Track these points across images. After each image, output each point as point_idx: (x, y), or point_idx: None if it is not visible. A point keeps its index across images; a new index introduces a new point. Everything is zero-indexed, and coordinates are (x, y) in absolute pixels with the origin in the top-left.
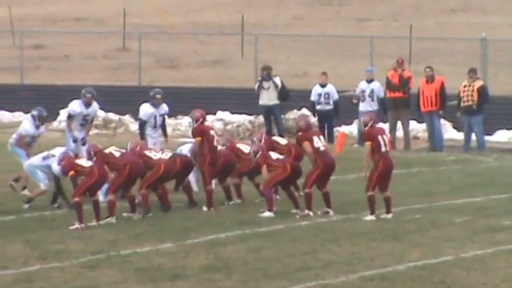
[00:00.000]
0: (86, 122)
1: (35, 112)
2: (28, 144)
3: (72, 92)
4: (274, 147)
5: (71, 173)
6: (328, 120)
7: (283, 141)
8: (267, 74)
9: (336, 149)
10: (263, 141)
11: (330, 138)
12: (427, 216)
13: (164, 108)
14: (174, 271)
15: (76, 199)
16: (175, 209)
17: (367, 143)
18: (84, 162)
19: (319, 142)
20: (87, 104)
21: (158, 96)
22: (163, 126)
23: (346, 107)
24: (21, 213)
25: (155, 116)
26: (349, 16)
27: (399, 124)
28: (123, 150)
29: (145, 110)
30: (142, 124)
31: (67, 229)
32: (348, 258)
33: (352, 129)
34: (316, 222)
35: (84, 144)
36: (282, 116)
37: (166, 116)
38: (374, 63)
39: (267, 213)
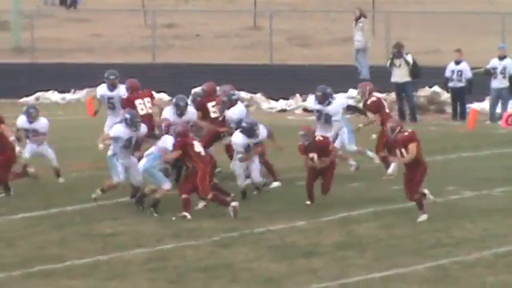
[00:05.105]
0: (113, 105)
1: (173, 100)
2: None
3: (204, 71)
4: None
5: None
6: (461, 98)
7: None
8: (398, 51)
9: (468, 126)
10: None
11: (462, 115)
12: None
13: None
14: (307, 248)
15: (184, 196)
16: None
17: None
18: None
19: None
20: (112, 87)
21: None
22: None
23: (479, 84)
24: None
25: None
26: None
27: None
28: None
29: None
30: None
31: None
32: (481, 235)
33: (484, 105)
34: (449, 199)
35: None
36: (414, 93)
37: None
38: (506, 40)
39: None
